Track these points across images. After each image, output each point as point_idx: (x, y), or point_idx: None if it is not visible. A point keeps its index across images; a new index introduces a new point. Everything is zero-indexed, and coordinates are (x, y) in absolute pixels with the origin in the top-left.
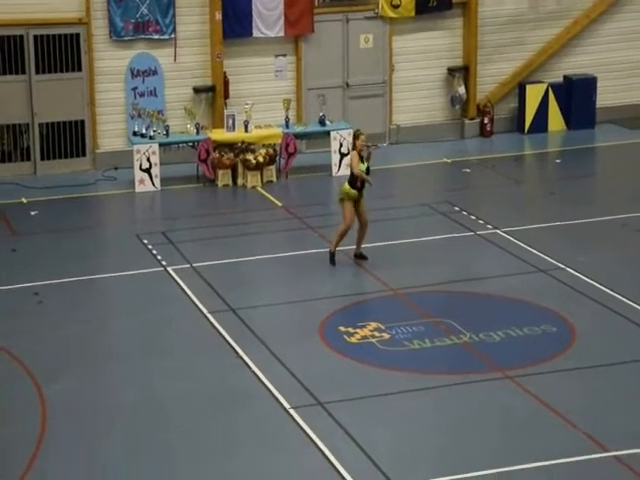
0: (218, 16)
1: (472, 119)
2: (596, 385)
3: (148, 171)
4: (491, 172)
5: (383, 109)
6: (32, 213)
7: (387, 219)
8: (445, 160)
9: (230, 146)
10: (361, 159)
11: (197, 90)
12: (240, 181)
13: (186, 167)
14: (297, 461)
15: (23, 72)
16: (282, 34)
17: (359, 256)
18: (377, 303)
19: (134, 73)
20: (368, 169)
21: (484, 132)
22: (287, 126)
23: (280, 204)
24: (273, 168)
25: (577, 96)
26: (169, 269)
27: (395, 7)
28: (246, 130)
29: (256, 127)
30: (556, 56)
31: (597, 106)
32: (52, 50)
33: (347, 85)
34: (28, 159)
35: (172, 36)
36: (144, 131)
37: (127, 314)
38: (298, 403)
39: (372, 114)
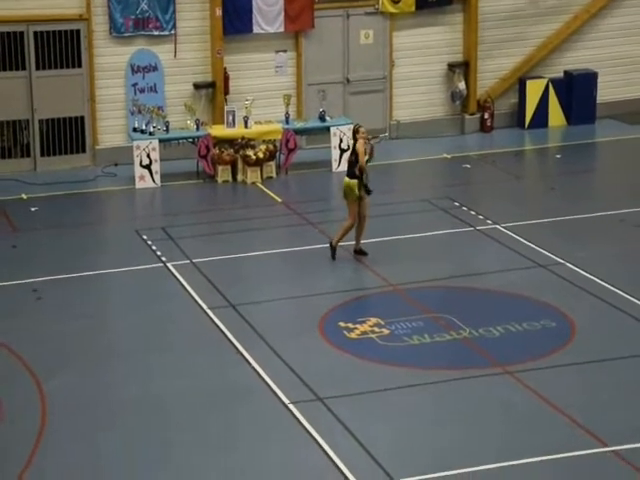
0: (218, 12)
1: (472, 114)
2: (595, 380)
3: (148, 167)
4: (491, 167)
5: (383, 105)
6: (32, 209)
7: (387, 214)
8: (445, 155)
9: (230, 142)
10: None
11: (197, 86)
12: (240, 177)
13: (186, 163)
14: (296, 456)
15: (23, 68)
16: (282, 30)
17: (359, 252)
18: (377, 298)
19: (134, 69)
20: (369, 161)
21: (484, 127)
22: (287, 122)
23: (280, 200)
24: (273, 164)
25: (577, 91)
26: (169, 265)
27: (395, 2)
28: (246, 126)
29: (256, 123)
30: (556, 51)
31: (597, 101)
32: (52, 46)
33: (347, 81)
34: (28, 155)
35: (172, 32)
36: (144, 127)
37: (127, 310)
38: (298, 398)
39: (372, 110)
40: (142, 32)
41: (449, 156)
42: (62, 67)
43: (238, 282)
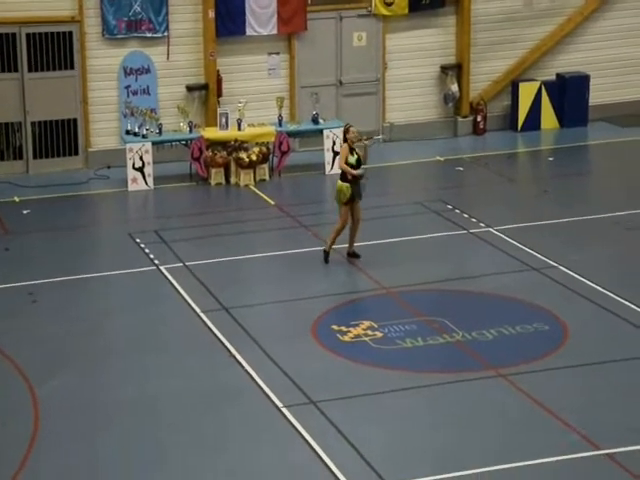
0: (211, 14)
1: (465, 117)
2: (589, 383)
3: (141, 170)
4: (484, 170)
5: (376, 107)
6: (24, 212)
7: (380, 217)
8: (438, 158)
9: (223, 144)
10: (352, 151)
11: (190, 88)
12: (233, 179)
13: (179, 166)
14: (289, 459)
15: (15, 70)
16: (275, 32)
17: (352, 254)
18: (370, 302)
19: (127, 71)
20: (359, 161)
21: (477, 130)
22: (280, 124)
23: (273, 202)
24: (266, 166)
25: (570, 94)
26: (162, 268)
27: (388, 5)
28: (239, 128)
29: (249, 125)
30: (549, 54)
31: (590, 104)
32: (45, 48)
33: (340, 83)
34: (20, 158)
35: (165, 34)
36: (137, 129)
37: (120, 313)
38: (290, 402)
39: (365, 112)
40: (135, 34)
41: (442, 159)
42: (54, 69)
43: (231, 285)
